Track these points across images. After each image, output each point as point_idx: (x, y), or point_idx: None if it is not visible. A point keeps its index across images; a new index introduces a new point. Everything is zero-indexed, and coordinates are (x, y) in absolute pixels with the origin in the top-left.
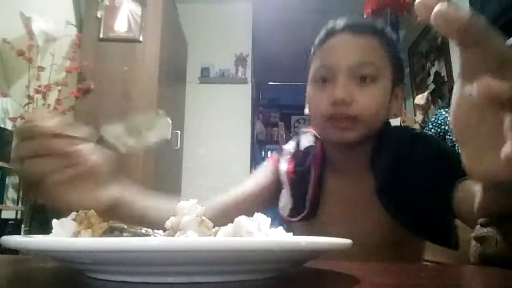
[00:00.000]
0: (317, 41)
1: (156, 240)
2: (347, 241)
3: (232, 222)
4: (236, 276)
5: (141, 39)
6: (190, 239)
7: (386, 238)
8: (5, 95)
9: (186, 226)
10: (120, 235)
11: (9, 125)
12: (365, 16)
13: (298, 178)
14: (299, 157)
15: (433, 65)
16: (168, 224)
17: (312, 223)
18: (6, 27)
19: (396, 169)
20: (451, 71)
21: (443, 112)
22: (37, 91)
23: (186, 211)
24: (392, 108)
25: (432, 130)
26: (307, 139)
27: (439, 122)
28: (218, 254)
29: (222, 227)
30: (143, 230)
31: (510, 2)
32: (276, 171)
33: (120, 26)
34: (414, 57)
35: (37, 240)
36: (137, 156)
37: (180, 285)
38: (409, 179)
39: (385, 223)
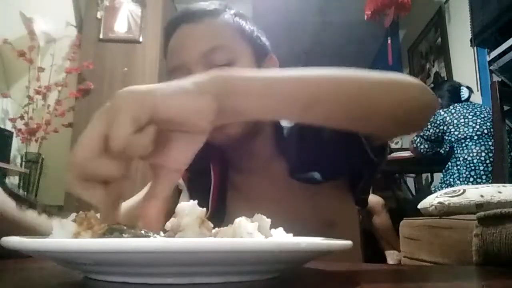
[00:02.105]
0: (164, 49)
1: (156, 241)
2: (347, 242)
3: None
4: (236, 277)
5: (141, 39)
6: (190, 240)
7: (312, 222)
8: (5, 95)
9: (186, 227)
10: (120, 236)
11: (9, 126)
12: (365, 18)
13: (196, 177)
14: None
15: (433, 65)
16: (168, 225)
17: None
18: (6, 28)
19: (305, 140)
20: (451, 72)
21: (442, 112)
22: (37, 92)
23: (186, 212)
24: None
25: (431, 130)
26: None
27: (437, 122)
28: (218, 255)
29: (222, 228)
30: (143, 231)
31: (510, 2)
32: None
33: (120, 27)
34: (414, 57)
35: (37, 241)
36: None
37: (180, 286)
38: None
39: (309, 206)
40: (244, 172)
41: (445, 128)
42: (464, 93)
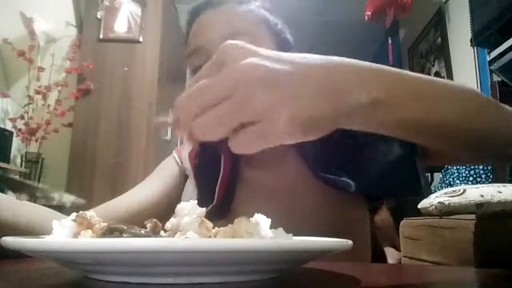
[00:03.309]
0: (185, 37)
1: (156, 241)
2: (348, 242)
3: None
4: (236, 277)
5: (141, 39)
6: (190, 240)
7: (322, 225)
8: (5, 95)
9: (186, 227)
10: (120, 235)
11: (9, 125)
12: (366, 19)
13: (204, 165)
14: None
15: (433, 65)
16: (168, 225)
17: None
18: (6, 28)
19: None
20: (451, 72)
21: None
22: (37, 92)
23: (186, 212)
24: None
25: None
26: None
27: None
28: (218, 255)
29: (222, 228)
30: (142, 231)
31: (510, 2)
32: (180, 159)
33: (120, 27)
34: (414, 57)
35: (37, 241)
36: (137, 156)
37: (180, 285)
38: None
39: (321, 208)
40: (255, 165)
41: None
42: None
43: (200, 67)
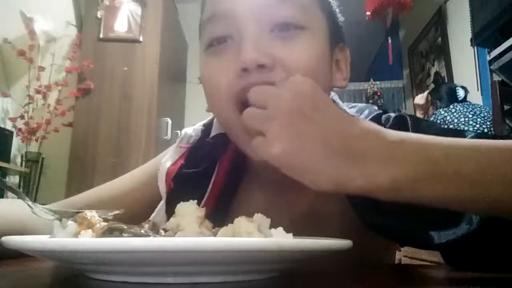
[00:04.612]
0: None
1: (156, 241)
2: (347, 242)
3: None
4: (235, 276)
5: (141, 39)
6: (190, 239)
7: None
8: (5, 95)
9: (186, 226)
10: (120, 235)
11: (9, 125)
12: (366, 18)
13: (180, 190)
14: (199, 151)
15: (433, 65)
16: (168, 225)
17: None
18: (6, 27)
19: None
20: (451, 71)
21: (442, 112)
22: (37, 91)
23: (186, 212)
24: (335, 78)
25: (432, 130)
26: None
27: (438, 122)
28: (218, 254)
29: (222, 228)
30: (142, 231)
31: (510, 2)
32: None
33: (120, 26)
34: (414, 57)
35: (37, 241)
36: (137, 156)
37: (180, 285)
38: None
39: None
40: (261, 186)
41: (445, 127)
42: (460, 93)
43: (218, 38)
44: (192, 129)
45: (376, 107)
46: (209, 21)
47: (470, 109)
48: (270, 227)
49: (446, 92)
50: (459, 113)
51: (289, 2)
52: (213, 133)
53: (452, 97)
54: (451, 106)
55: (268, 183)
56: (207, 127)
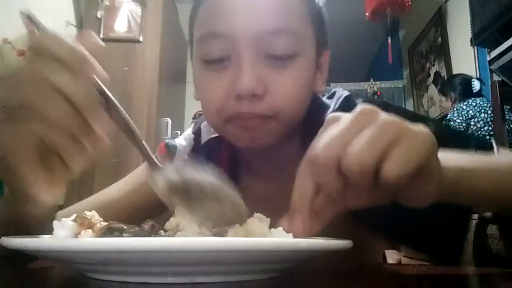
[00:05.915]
0: (192, 13)
1: (156, 240)
2: (347, 242)
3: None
4: (236, 276)
5: (141, 39)
6: (191, 239)
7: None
8: None
9: (186, 227)
10: (120, 235)
11: None
12: (366, 18)
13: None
14: (196, 158)
15: (433, 65)
16: (168, 225)
17: None
18: (6, 27)
19: None
20: (451, 71)
21: (464, 107)
22: None
23: (186, 212)
24: (317, 83)
25: (457, 120)
26: (209, 128)
27: (461, 117)
28: (218, 254)
29: (234, 227)
30: (142, 231)
31: (510, 2)
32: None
33: (120, 26)
34: (414, 57)
35: (37, 240)
36: (137, 156)
37: (180, 285)
38: None
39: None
40: (261, 177)
41: (469, 121)
42: (476, 85)
43: (214, 57)
44: (183, 140)
45: (346, 91)
46: (207, 38)
47: (490, 104)
48: (271, 226)
49: (460, 83)
50: (480, 108)
51: (285, 32)
52: (204, 139)
53: (467, 89)
54: (470, 100)
55: (262, 174)
56: (197, 134)
